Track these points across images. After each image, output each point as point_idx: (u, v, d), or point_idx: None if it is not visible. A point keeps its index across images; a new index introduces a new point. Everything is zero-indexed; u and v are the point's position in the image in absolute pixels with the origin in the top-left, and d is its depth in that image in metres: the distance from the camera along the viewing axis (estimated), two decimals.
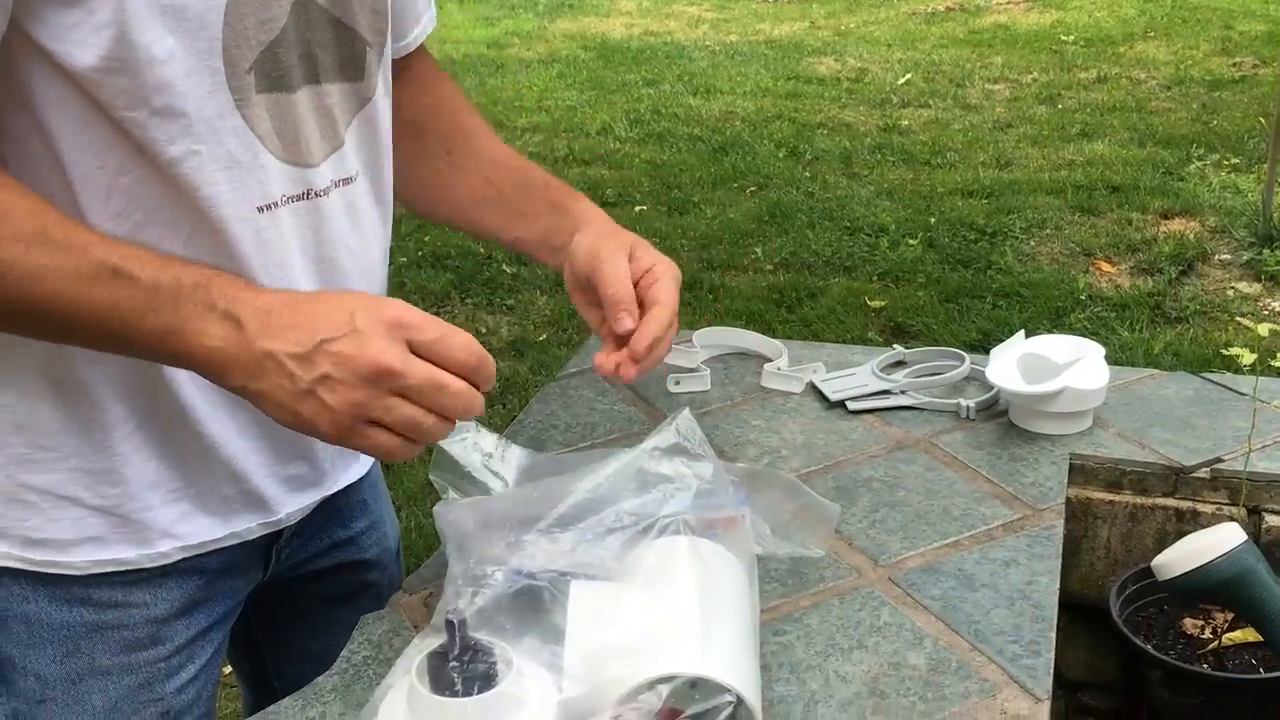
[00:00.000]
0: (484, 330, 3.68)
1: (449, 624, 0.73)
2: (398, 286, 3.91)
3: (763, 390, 1.34)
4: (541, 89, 6.51)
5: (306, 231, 0.91)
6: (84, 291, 0.76)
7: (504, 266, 4.10)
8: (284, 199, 0.88)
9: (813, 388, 1.32)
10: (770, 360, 1.37)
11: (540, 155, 5.12)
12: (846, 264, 4.02)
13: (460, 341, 0.80)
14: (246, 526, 0.99)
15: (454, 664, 0.73)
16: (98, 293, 0.76)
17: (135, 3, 0.75)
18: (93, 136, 0.80)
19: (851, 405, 1.28)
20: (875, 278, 3.92)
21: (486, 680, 0.73)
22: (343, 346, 0.77)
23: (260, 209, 0.86)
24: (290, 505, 1.01)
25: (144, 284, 0.77)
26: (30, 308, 0.77)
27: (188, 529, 0.95)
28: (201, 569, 0.98)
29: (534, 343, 3.59)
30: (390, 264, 3.98)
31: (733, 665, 0.76)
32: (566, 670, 0.76)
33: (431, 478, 0.93)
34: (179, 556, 0.96)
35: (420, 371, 0.78)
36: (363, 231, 0.98)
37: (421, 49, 1.11)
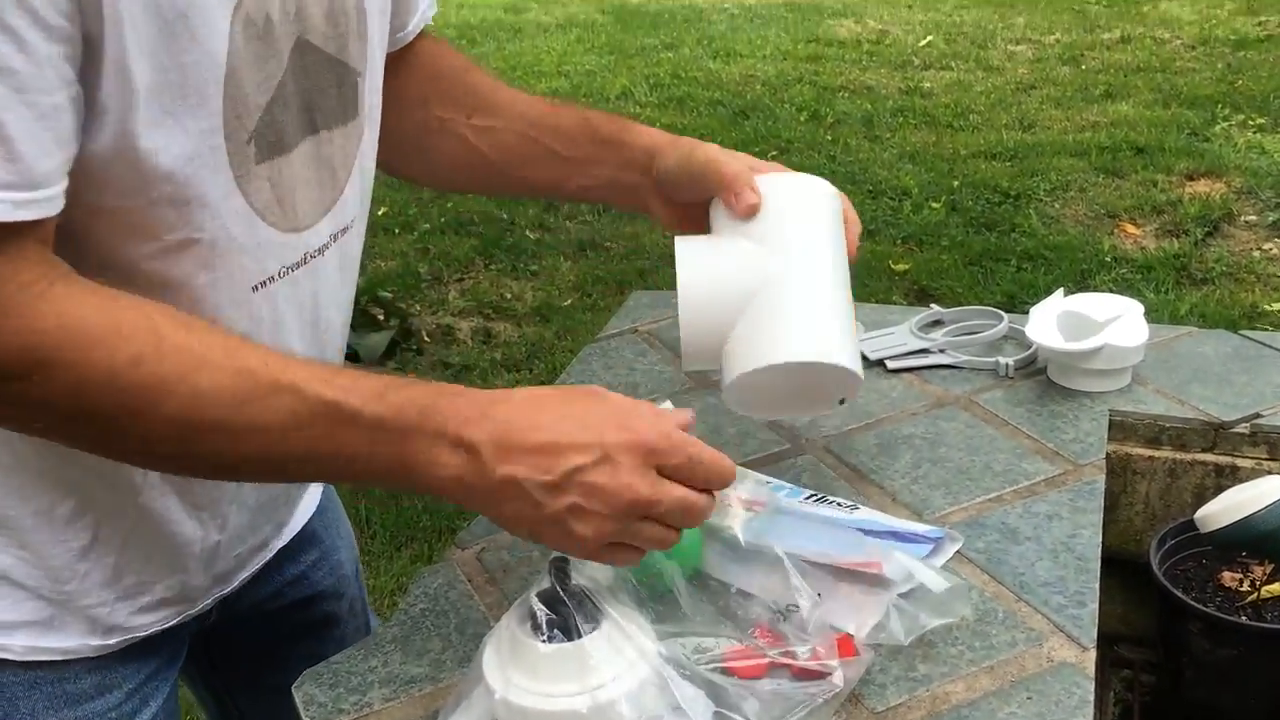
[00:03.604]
0: (509, 296, 3.70)
1: (552, 567, 0.75)
2: (422, 253, 3.92)
3: None
4: (560, 53, 6.49)
5: (304, 299, 0.86)
6: (301, 435, 0.71)
7: (528, 232, 4.11)
8: (281, 272, 0.83)
9: None
10: None
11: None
12: (870, 227, 4.01)
13: (708, 461, 0.75)
14: (203, 605, 0.96)
15: (550, 609, 0.75)
16: (317, 434, 0.71)
17: (136, 91, 0.69)
18: (68, 232, 0.71)
19: (890, 364, 1.29)
20: (899, 241, 3.91)
21: (582, 627, 0.75)
22: (595, 477, 0.71)
23: (255, 288, 0.81)
24: (248, 569, 0.99)
25: (367, 420, 0.71)
26: (239, 461, 0.73)
27: (142, 620, 0.91)
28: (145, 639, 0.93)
29: (559, 308, 3.60)
30: (414, 231, 4.04)
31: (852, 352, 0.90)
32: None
33: None
34: (128, 644, 0.91)
35: (672, 498, 0.73)
36: (349, 277, 0.93)
37: (421, 32, 1.04)
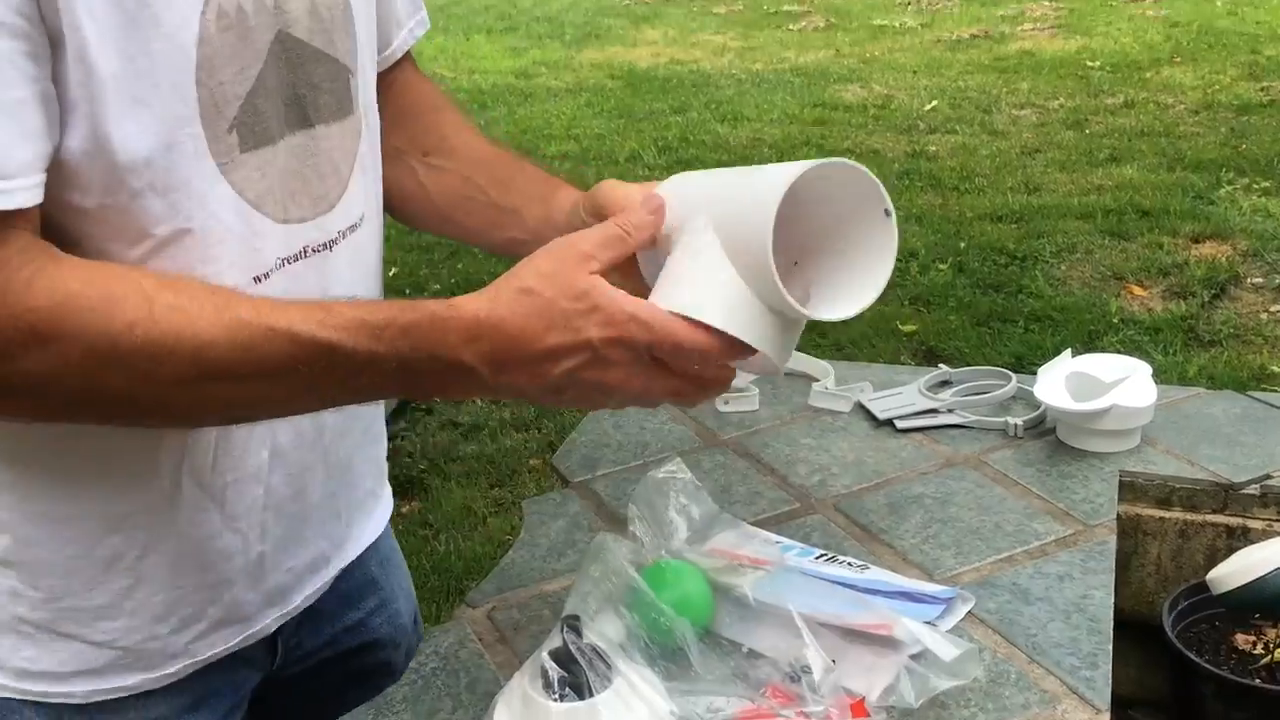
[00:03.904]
0: None
1: (564, 625, 0.75)
2: None
3: (811, 409, 1.36)
4: (570, 117, 6.56)
5: (307, 293, 0.84)
6: (302, 375, 0.73)
7: None
8: (279, 263, 0.83)
9: (860, 406, 1.34)
10: (817, 380, 1.39)
11: (570, 183, 5.15)
12: None
13: (687, 347, 0.75)
14: (263, 624, 0.95)
15: (561, 667, 0.75)
16: (318, 372, 0.73)
17: (99, 77, 0.70)
18: (62, 241, 0.73)
19: (899, 424, 1.29)
20: (906, 302, 3.92)
21: (594, 686, 0.75)
22: (590, 374, 0.75)
23: (257, 279, 0.81)
24: (307, 588, 0.98)
25: (364, 357, 0.73)
26: (252, 404, 0.76)
27: (201, 646, 0.91)
28: (208, 667, 0.93)
29: None
30: (424, 291, 4.05)
31: None
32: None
33: (632, 504, 0.98)
34: (189, 672, 0.91)
35: (664, 390, 0.77)
36: (364, 276, 0.93)
37: (406, 56, 1.04)
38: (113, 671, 0.87)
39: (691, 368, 0.77)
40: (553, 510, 1.18)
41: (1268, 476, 1.17)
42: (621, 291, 0.75)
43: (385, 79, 1.00)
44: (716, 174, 0.86)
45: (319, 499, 0.95)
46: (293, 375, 0.73)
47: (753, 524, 1.10)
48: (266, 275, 0.82)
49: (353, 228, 0.90)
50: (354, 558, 1.04)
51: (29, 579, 0.83)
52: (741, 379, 1.39)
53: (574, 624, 0.79)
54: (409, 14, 1.02)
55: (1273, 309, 3.74)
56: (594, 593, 0.86)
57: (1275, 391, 1.39)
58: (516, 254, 0.92)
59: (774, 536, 1.08)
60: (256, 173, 0.80)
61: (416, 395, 0.76)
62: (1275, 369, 3.32)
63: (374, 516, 1.07)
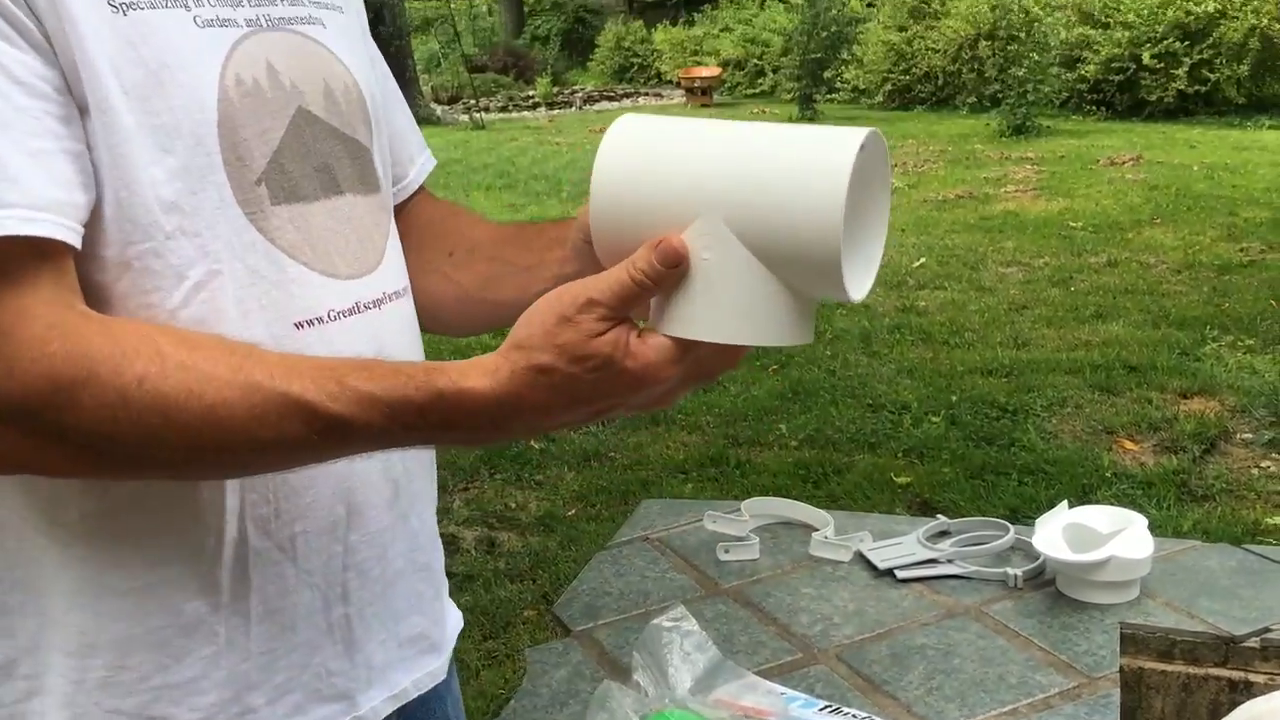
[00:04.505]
0: (513, 505, 3.70)
1: None
2: None
3: (811, 559, 1.36)
4: None
5: (364, 349, 0.85)
6: (317, 442, 0.75)
7: (533, 443, 4.15)
8: (331, 315, 0.85)
9: (860, 556, 1.35)
10: (817, 529, 1.40)
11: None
12: (871, 440, 4.06)
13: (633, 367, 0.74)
14: (370, 707, 0.92)
15: None
16: (333, 441, 0.76)
17: (126, 128, 0.75)
18: (102, 300, 0.77)
19: (900, 574, 1.30)
20: (900, 454, 3.95)
21: None
22: (618, 413, 0.79)
23: (299, 325, 0.83)
24: (414, 670, 0.96)
25: (376, 433, 0.75)
26: (265, 464, 0.79)
27: None
28: None
29: (562, 518, 3.60)
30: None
31: None
32: None
33: (635, 653, 0.99)
34: None
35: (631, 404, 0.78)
36: (415, 345, 0.95)
37: (422, 189, 1.09)
38: None
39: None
40: (555, 659, 1.18)
41: (1267, 630, 1.18)
42: (641, 340, 0.74)
43: (406, 208, 1.06)
44: (704, 143, 0.75)
45: (403, 566, 0.94)
46: (306, 443, 0.75)
47: (756, 674, 1.10)
48: (313, 323, 0.84)
49: (397, 294, 0.93)
50: (453, 644, 1.03)
51: (119, 659, 0.82)
52: (741, 527, 1.40)
53: None
54: (420, 149, 1.09)
55: (1263, 464, 3.77)
56: None
57: (1270, 545, 1.40)
58: None
59: (778, 687, 1.07)
60: (290, 224, 0.83)
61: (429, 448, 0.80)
62: (1269, 523, 3.33)
63: (452, 608, 1.06)
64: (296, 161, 0.85)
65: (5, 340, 0.70)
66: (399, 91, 1.08)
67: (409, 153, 1.07)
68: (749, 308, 0.71)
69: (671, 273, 0.73)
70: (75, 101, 0.74)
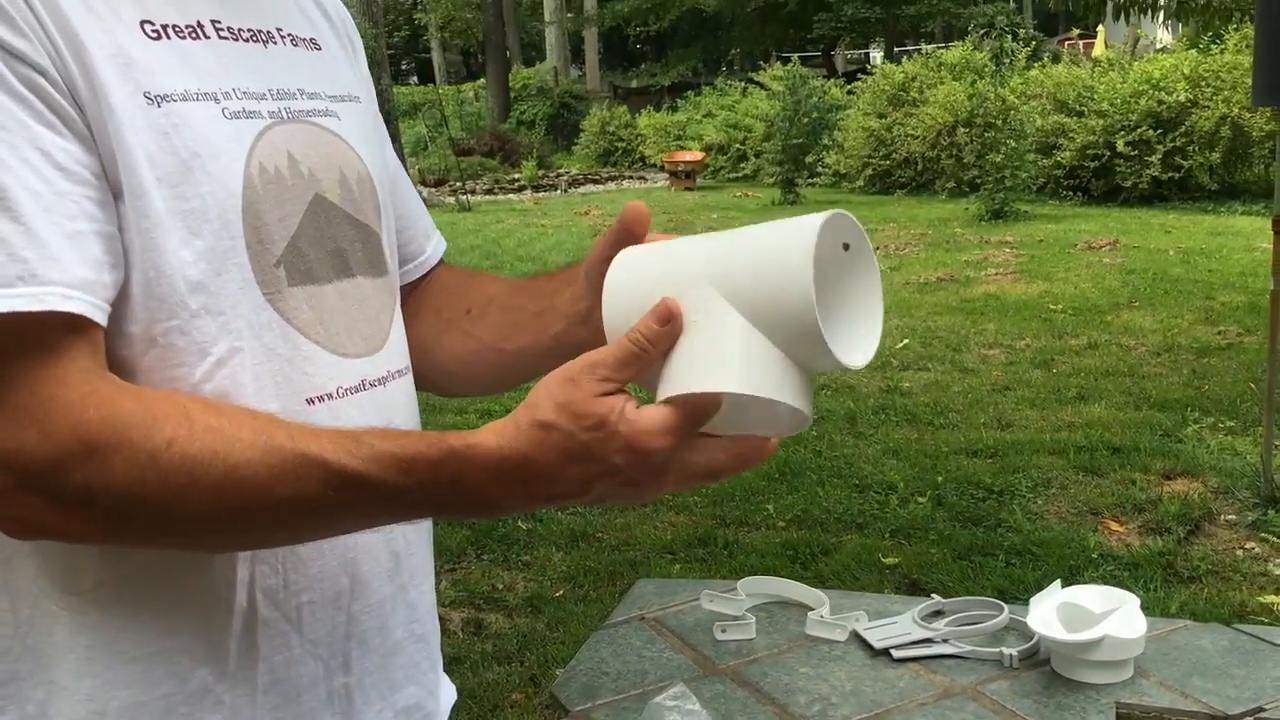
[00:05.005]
0: (500, 586, 3.68)
1: None
2: None
3: (807, 638, 1.37)
4: None
5: (370, 422, 0.88)
6: (333, 501, 0.76)
7: (519, 523, 4.14)
8: (340, 391, 0.89)
9: (856, 636, 1.36)
10: (812, 609, 1.41)
11: None
12: (858, 521, 4.07)
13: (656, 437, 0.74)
14: None
15: None
16: (347, 500, 0.77)
17: (157, 212, 0.79)
18: (128, 374, 0.79)
19: (896, 653, 1.31)
20: (887, 534, 3.95)
21: None
22: (620, 491, 0.78)
23: (310, 401, 0.87)
24: None
25: (390, 491, 0.76)
26: (284, 523, 0.79)
27: None
28: None
29: (550, 599, 3.58)
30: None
31: None
32: None
33: None
34: None
35: (663, 487, 0.78)
36: (416, 420, 0.98)
37: (442, 261, 1.14)
38: None
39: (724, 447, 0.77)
40: None
41: (1260, 709, 1.19)
42: (639, 409, 0.75)
43: (429, 279, 1.13)
44: (692, 243, 0.83)
45: (403, 637, 0.97)
46: (322, 502, 0.76)
47: None
48: (324, 399, 0.88)
49: (399, 373, 0.97)
50: (446, 715, 1.04)
51: None
52: (737, 607, 1.41)
53: None
54: (432, 227, 1.15)
55: (1248, 545, 3.79)
56: None
57: (1261, 624, 1.42)
58: (567, 345, 0.97)
59: None
60: (305, 304, 0.88)
61: (446, 518, 0.80)
62: (1258, 603, 3.34)
63: (446, 682, 1.07)
64: (312, 245, 0.89)
65: (44, 407, 0.73)
66: (407, 176, 1.13)
67: (424, 229, 1.13)
68: (738, 358, 0.74)
69: (665, 331, 0.76)
70: (110, 186, 0.78)
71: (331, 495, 0.76)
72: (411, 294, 1.11)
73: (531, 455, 0.75)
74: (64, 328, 0.74)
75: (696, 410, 0.75)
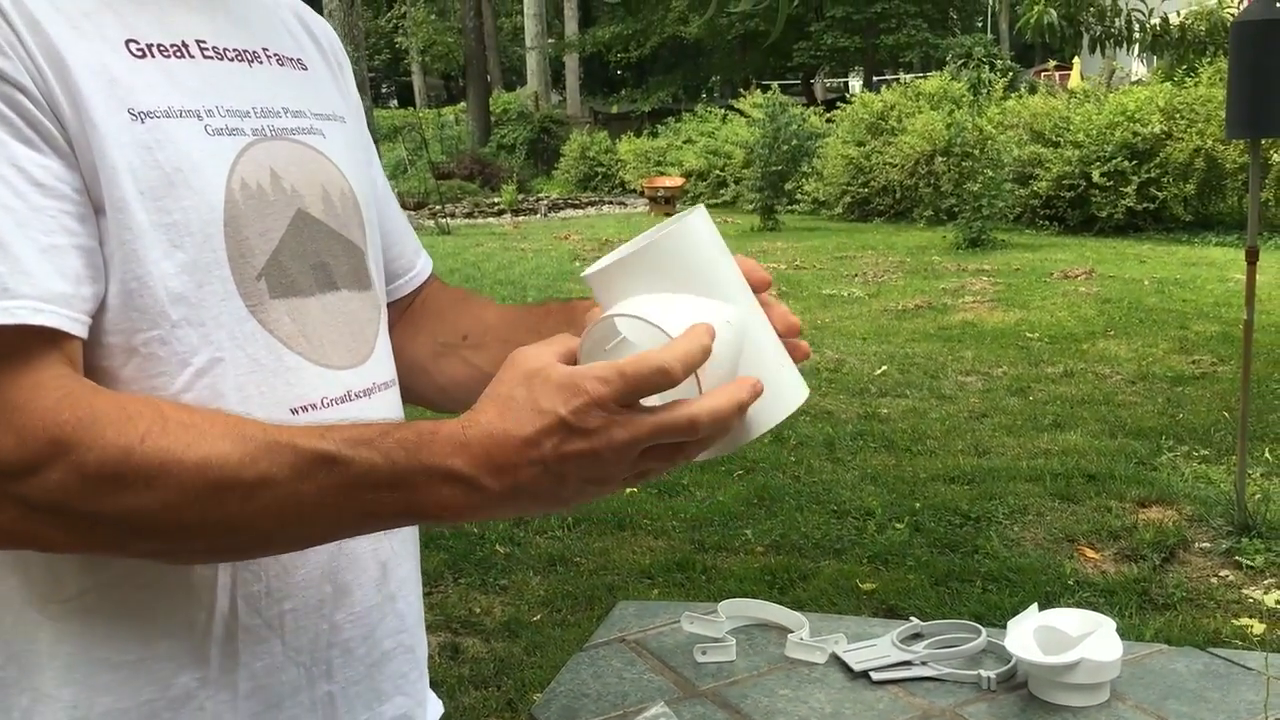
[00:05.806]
0: (477, 610, 3.67)
1: None
2: None
3: (787, 660, 1.37)
4: None
5: None
6: (305, 487, 0.76)
7: (497, 546, 4.13)
8: (325, 402, 0.90)
9: (835, 658, 1.36)
10: (792, 631, 1.42)
11: None
12: (836, 546, 4.08)
13: (646, 378, 0.74)
14: None
15: None
16: (319, 484, 0.76)
17: (140, 225, 0.80)
18: (109, 383, 0.80)
19: (875, 675, 1.31)
20: (865, 560, 3.96)
21: None
22: (572, 446, 0.75)
23: (294, 411, 0.88)
24: None
25: (360, 467, 0.76)
26: (257, 522, 0.77)
27: None
28: None
29: (528, 623, 3.57)
30: None
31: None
32: None
33: None
34: None
35: (644, 431, 0.75)
36: None
37: (433, 276, 1.16)
38: None
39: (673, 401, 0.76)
40: None
41: None
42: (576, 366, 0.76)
43: (420, 295, 1.14)
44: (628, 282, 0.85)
45: (391, 648, 0.97)
46: (295, 490, 0.75)
47: None
48: (308, 409, 0.89)
49: (385, 385, 0.98)
50: None
51: None
52: (717, 629, 1.41)
53: None
54: (420, 247, 1.16)
55: (1222, 573, 3.81)
56: None
57: (1235, 648, 1.44)
58: None
59: None
60: (287, 316, 0.88)
61: (421, 516, 0.78)
62: (1231, 630, 3.36)
63: (433, 696, 1.07)
64: (295, 259, 0.90)
65: (18, 412, 0.73)
66: (393, 196, 1.14)
67: (412, 246, 1.14)
68: (684, 302, 0.79)
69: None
70: (92, 201, 0.79)
71: (304, 482, 0.75)
72: (406, 311, 1.12)
73: (483, 422, 0.76)
74: (39, 339, 0.75)
75: (640, 368, 0.74)
